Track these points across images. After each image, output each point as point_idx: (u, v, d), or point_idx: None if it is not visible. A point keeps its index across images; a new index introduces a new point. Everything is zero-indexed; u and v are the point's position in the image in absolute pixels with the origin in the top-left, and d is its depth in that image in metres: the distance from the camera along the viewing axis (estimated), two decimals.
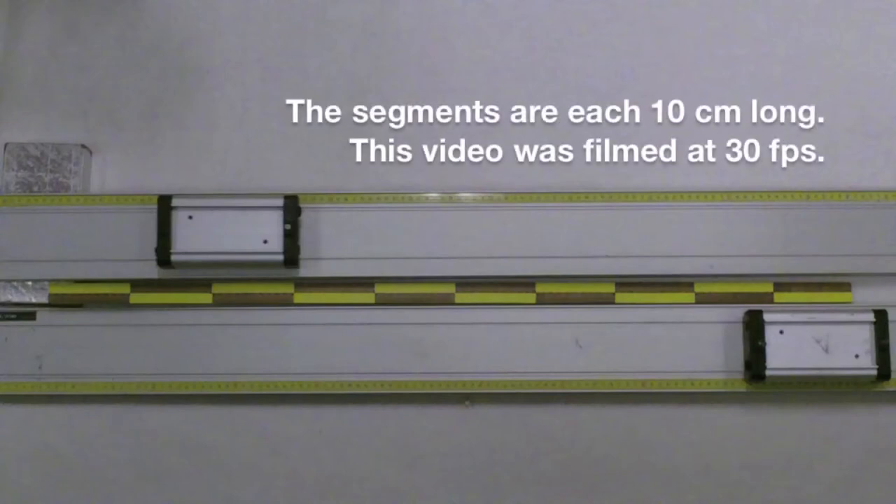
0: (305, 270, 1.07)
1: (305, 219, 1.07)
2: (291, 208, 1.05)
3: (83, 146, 1.09)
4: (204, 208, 1.04)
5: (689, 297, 1.08)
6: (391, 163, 1.11)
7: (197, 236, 1.04)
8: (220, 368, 1.06)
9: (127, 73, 1.12)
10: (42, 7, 1.13)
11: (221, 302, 1.08)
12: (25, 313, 1.07)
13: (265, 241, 1.04)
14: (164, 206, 1.04)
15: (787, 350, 1.03)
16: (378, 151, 1.11)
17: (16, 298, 1.07)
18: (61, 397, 1.06)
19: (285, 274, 1.07)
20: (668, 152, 1.11)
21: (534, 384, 1.06)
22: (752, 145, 1.12)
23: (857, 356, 1.03)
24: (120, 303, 1.07)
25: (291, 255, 1.04)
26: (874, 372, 1.03)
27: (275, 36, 1.13)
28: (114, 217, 1.07)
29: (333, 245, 1.07)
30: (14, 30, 1.13)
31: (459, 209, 1.08)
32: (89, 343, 1.06)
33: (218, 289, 1.08)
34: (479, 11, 1.14)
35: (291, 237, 1.04)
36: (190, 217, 1.04)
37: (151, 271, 1.06)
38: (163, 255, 1.04)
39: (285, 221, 1.04)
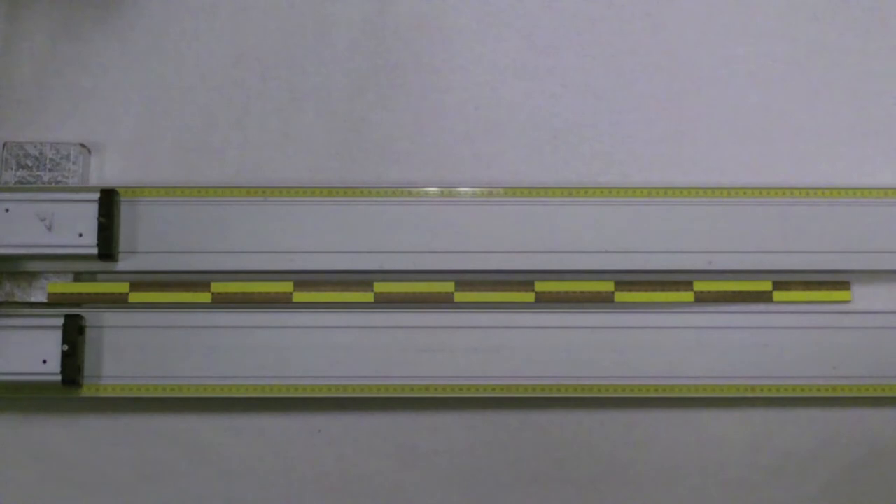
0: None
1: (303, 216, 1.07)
2: (107, 202, 1.04)
3: (82, 145, 1.09)
4: None
5: (689, 295, 1.08)
6: (390, 159, 1.11)
7: None
8: (220, 371, 1.06)
9: (126, 72, 1.12)
10: (41, 6, 1.13)
11: (221, 301, 1.07)
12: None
13: (81, 234, 1.04)
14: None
15: None
16: (377, 149, 1.11)
17: (15, 297, 1.07)
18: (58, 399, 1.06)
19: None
20: (667, 149, 1.12)
21: (539, 388, 1.06)
22: (751, 143, 1.12)
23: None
24: (119, 302, 1.07)
25: (106, 249, 1.04)
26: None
27: (274, 35, 1.13)
28: None
29: (332, 241, 1.07)
30: (13, 28, 1.13)
31: (458, 204, 1.08)
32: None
33: (217, 288, 1.08)
34: (478, 10, 1.14)
35: (107, 229, 1.05)
36: (7, 210, 1.04)
37: None
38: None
39: (100, 214, 1.04)
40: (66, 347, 1.03)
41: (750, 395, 1.06)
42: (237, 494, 1.07)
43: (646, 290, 1.08)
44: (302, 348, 1.06)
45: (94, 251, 1.04)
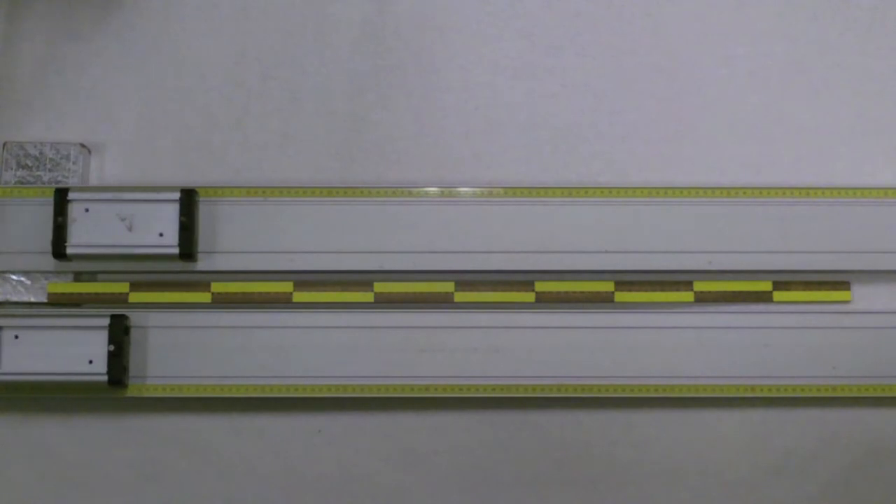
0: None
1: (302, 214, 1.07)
2: (187, 202, 1.05)
3: (82, 145, 1.09)
4: None
5: (689, 295, 1.08)
6: (390, 159, 1.11)
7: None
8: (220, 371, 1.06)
9: (126, 72, 1.12)
10: (41, 6, 1.13)
11: (222, 301, 1.07)
12: None
13: (161, 234, 1.05)
14: (61, 198, 1.05)
15: None
16: (377, 149, 1.11)
17: (14, 297, 1.07)
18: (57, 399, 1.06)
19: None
20: (667, 149, 1.12)
21: (539, 388, 1.06)
22: (751, 143, 1.12)
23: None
24: (119, 302, 1.07)
25: (187, 248, 1.05)
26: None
27: (274, 35, 1.13)
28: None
29: (332, 240, 1.07)
30: (13, 28, 1.13)
31: (458, 204, 1.08)
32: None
33: (217, 288, 1.08)
34: (478, 10, 1.14)
35: (188, 229, 1.05)
36: (87, 210, 1.05)
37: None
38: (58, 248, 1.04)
39: (181, 214, 1.05)
40: (112, 347, 1.02)
41: (750, 395, 1.06)
42: (237, 494, 1.07)
43: (646, 290, 1.08)
44: (302, 348, 1.05)
45: (175, 251, 1.04)
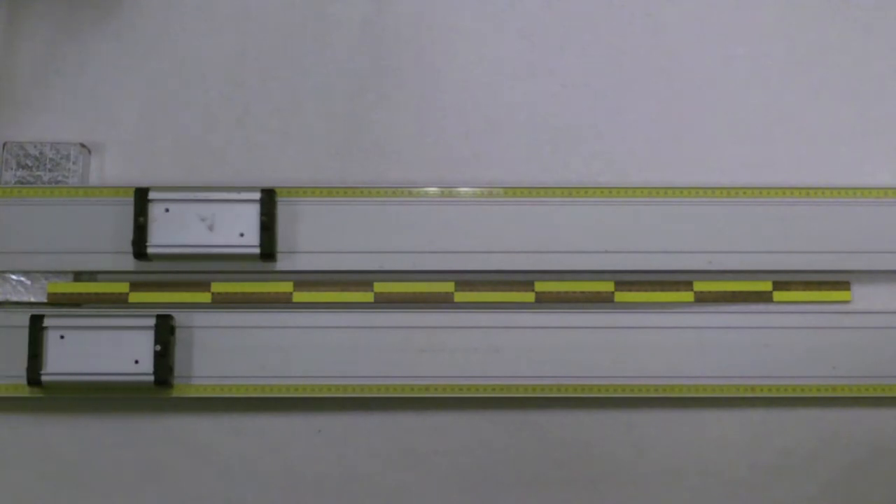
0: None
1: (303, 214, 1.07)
2: (268, 202, 1.05)
3: (82, 145, 1.09)
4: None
5: (689, 295, 1.08)
6: (390, 159, 1.11)
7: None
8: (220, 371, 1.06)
9: (126, 72, 1.12)
10: (41, 6, 1.13)
11: (220, 301, 1.07)
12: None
13: (242, 234, 1.05)
14: (142, 198, 1.05)
15: None
16: (377, 149, 1.11)
17: (14, 297, 1.07)
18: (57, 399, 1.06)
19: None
20: (667, 149, 1.12)
21: (536, 388, 1.06)
22: (751, 143, 1.12)
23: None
24: (119, 302, 1.07)
25: (268, 249, 1.05)
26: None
27: (274, 35, 1.13)
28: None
29: (332, 240, 1.07)
30: (13, 28, 1.13)
31: (458, 204, 1.08)
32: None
33: (217, 288, 1.08)
34: (478, 10, 1.14)
35: (269, 229, 1.05)
36: (167, 210, 1.05)
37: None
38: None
39: (261, 214, 1.05)
40: (158, 347, 1.02)
41: (750, 395, 1.06)
42: (237, 494, 1.07)
43: (646, 290, 1.08)
44: (302, 348, 1.05)
45: (257, 251, 1.04)
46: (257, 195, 1.05)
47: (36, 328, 1.03)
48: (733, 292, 1.09)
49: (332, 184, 1.09)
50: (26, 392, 1.04)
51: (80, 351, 1.03)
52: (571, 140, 1.12)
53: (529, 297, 1.08)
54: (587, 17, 1.14)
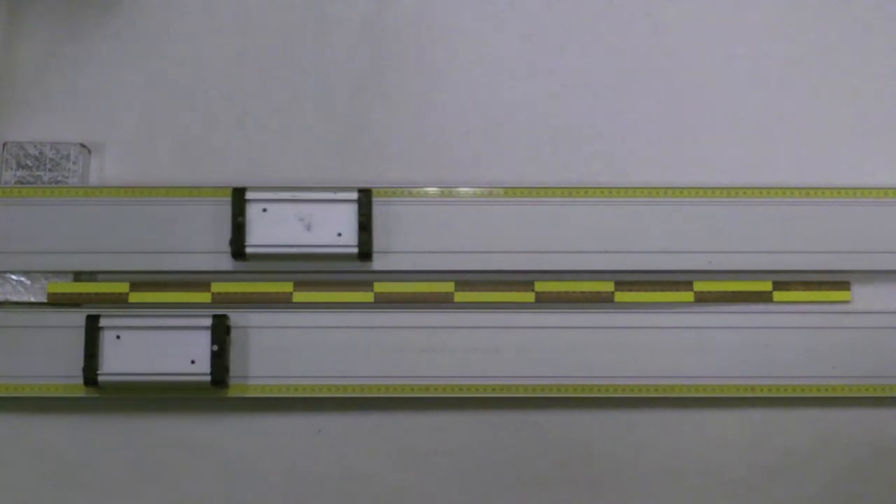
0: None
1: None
2: (365, 202, 1.05)
3: (82, 145, 1.09)
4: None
5: (689, 295, 1.08)
6: (390, 159, 1.11)
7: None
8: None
9: (126, 72, 1.12)
10: (41, 6, 1.13)
11: (222, 301, 1.07)
12: None
13: (339, 234, 1.06)
14: (239, 198, 1.05)
15: None
16: (377, 149, 1.11)
17: (14, 297, 1.07)
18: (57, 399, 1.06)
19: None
20: (667, 149, 1.12)
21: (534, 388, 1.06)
22: (751, 143, 1.12)
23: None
24: (119, 302, 1.07)
25: (366, 248, 1.05)
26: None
27: (274, 35, 1.13)
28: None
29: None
30: (13, 28, 1.13)
31: (458, 204, 1.08)
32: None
33: (217, 288, 1.08)
34: (478, 10, 1.14)
35: (366, 229, 1.05)
36: (264, 210, 1.05)
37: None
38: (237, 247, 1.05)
39: (359, 214, 1.05)
40: (215, 347, 1.03)
41: (750, 395, 1.06)
42: (237, 494, 1.07)
43: (646, 290, 1.08)
44: (302, 348, 1.05)
45: (354, 251, 1.05)
46: (354, 195, 1.05)
47: (92, 328, 1.03)
48: (733, 292, 1.09)
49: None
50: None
51: (136, 351, 1.03)
52: (571, 140, 1.12)
53: (529, 297, 1.08)
54: (587, 17, 1.14)
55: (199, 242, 1.07)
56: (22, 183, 1.08)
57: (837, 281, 1.09)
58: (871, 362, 1.06)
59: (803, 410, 1.08)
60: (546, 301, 1.08)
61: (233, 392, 1.04)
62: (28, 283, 1.07)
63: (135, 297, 1.07)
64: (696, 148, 1.12)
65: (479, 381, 1.05)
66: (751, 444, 1.08)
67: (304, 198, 1.05)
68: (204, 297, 1.07)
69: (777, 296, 1.09)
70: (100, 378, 1.02)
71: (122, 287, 1.07)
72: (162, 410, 1.07)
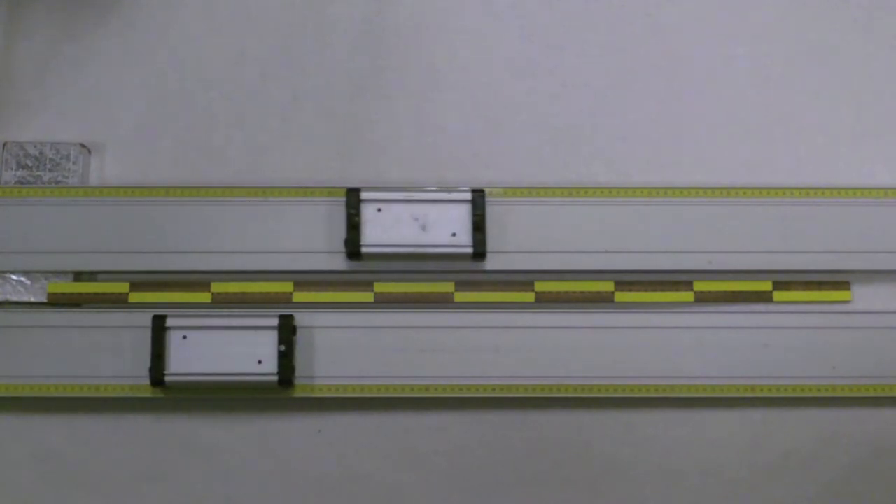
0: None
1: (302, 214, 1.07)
2: (479, 202, 1.06)
3: (82, 145, 1.09)
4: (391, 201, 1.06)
5: (689, 295, 1.08)
6: (390, 159, 1.11)
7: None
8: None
9: (126, 72, 1.12)
10: (41, 6, 1.13)
11: (221, 301, 1.07)
12: None
13: (454, 234, 1.06)
14: (354, 198, 1.06)
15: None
16: (377, 149, 1.11)
17: (14, 297, 1.07)
18: (60, 400, 1.06)
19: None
20: (667, 149, 1.12)
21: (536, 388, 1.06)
22: (751, 143, 1.12)
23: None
24: (119, 302, 1.07)
25: (481, 248, 1.05)
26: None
27: (274, 35, 1.13)
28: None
29: (332, 240, 1.07)
30: (13, 28, 1.13)
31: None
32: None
33: (217, 288, 1.08)
34: (478, 10, 1.14)
35: (480, 229, 1.06)
36: (379, 209, 1.05)
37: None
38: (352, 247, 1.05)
39: (474, 213, 1.06)
40: (283, 347, 1.03)
41: (750, 395, 1.06)
42: (237, 494, 1.07)
43: (646, 290, 1.08)
44: (302, 348, 1.05)
45: (469, 251, 1.05)
46: (468, 195, 1.06)
47: (159, 328, 1.03)
48: (733, 292, 1.09)
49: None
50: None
51: (203, 351, 1.03)
52: (571, 140, 1.12)
53: (529, 297, 1.08)
54: (587, 17, 1.15)
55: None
56: (22, 183, 1.08)
57: (837, 281, 1.09)
58: (871, 362, 1.06)
59: (803, 410, 1.08)
60: (546, 301, 1.08)
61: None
62: (28, 283, 1.07)
63: (135, 298, 1.07)
64: (696, 148, 1.12)
65: (479, 381, 1.05)
66: (751, 444, 1.08)
67: (419, 198, 1.06)
68: (204, 297, 1.07)
69: (777, 296, 1.09)
70: (167, 378, 1.02)
71: (123, 287, 1.07)
72: (153, 410, 1.07)
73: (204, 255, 1.07)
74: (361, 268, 1.07)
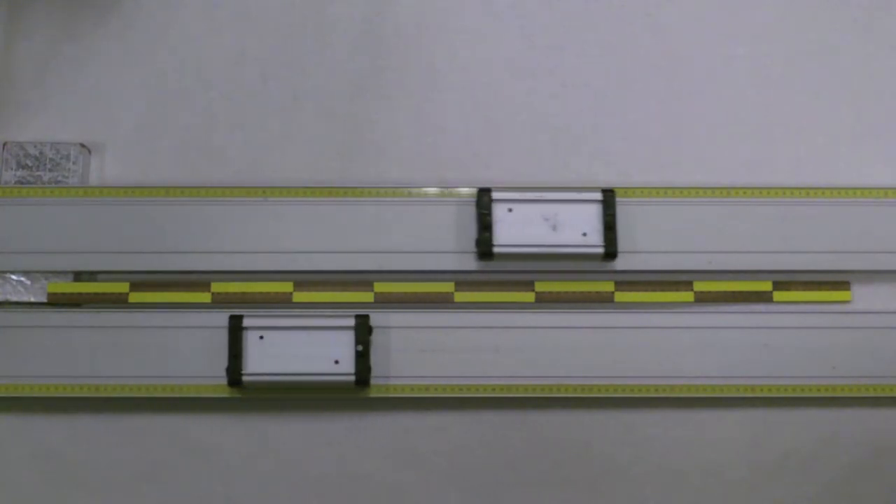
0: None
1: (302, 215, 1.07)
2: (610, 201, 1.06)
3: (82, 145, 1.09)
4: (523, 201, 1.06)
5: (689, 295, 1.08)
6: (390, 159, 1.11)
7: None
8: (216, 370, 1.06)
9: (126, 72, 1.12)
10: (41, 6, 1.13)
11: (221, 301, 1.07)
12: None
13: (584, 234, 1.06)
14: (486, 198, 1.06)
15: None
16: (377, 149, 1.11)
17: (14, 297, 1.07)
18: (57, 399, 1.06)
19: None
20: (667, 149, 1.12)
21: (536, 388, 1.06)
22: (751, 142, 1.12)
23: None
24: (119, 302, 1.07)
25: (612, 248, 1.06)
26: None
27: (274, 35, 1.13)
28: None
29: (332, 241, 1.07)
30: (13, 28, 1.13)
31: (459, 204, 1.08)
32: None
33: (217, 288, 1.08)
34: (478, 10, 1.14)
35: (612, 229, 1.06)
36: (510, 210, 1.06)
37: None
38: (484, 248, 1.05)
39: (605, 213, 1.06)
40: (360, 347, 1.03)
41: (750, 395, 1.06)
42: (237, 494, 1.07)
43: (646, 290, 1.08)
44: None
45: (600, 251, 1.05)
46: (598, 195, 1.06)
47: (236, 328, 1.03)
48: (733, 292, 1.09)
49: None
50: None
51: (279, 351, 1.03)
52: (571, 140, 1.12)
53: (529, 297, 1.08)
54: (587, 17, 1.15)
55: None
56: (22, 183, 1.08)
57: (837, 281, 1.10)
58: (871, 362, 1.06)
59: (803, 410, 1.08)
60: (546, 301, 1.08)
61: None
62: (28, 283, 1.07)
63: (135, 298, 1.07)
64: (696, 148, 1.12)
65: (479, 381, 1.05)
66: (751, 444, 1.08)
67: (549, 198, 1.06)
68: (204, 297, 1.07)
69: (777, 296, 1.09)
70: (244, 378, 1.03)
71: (123, 287, 1.07)
72: (153, 410, 1.07)
73: (204, 254, 1.07)
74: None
